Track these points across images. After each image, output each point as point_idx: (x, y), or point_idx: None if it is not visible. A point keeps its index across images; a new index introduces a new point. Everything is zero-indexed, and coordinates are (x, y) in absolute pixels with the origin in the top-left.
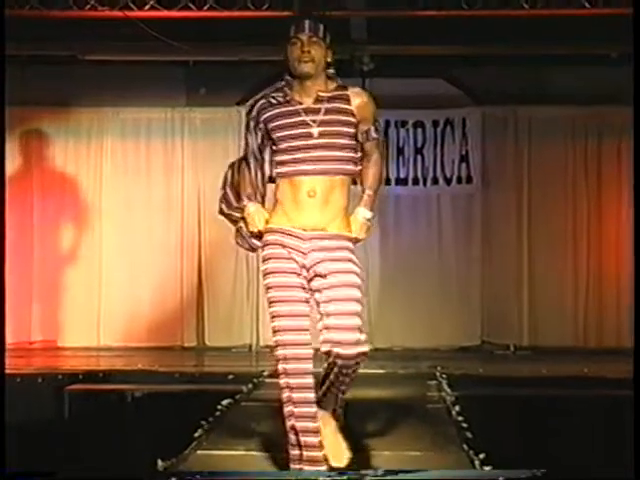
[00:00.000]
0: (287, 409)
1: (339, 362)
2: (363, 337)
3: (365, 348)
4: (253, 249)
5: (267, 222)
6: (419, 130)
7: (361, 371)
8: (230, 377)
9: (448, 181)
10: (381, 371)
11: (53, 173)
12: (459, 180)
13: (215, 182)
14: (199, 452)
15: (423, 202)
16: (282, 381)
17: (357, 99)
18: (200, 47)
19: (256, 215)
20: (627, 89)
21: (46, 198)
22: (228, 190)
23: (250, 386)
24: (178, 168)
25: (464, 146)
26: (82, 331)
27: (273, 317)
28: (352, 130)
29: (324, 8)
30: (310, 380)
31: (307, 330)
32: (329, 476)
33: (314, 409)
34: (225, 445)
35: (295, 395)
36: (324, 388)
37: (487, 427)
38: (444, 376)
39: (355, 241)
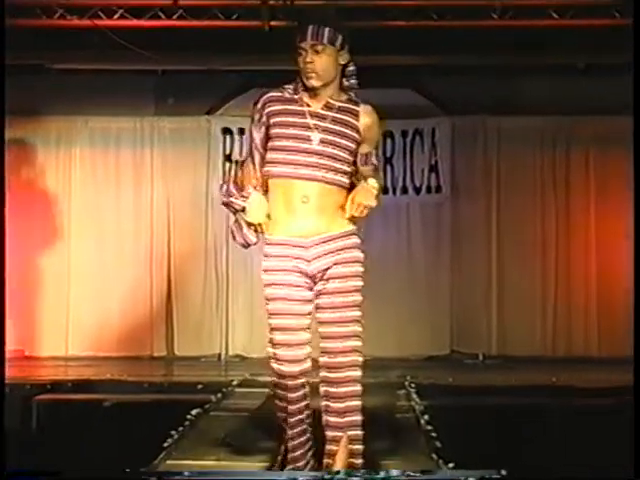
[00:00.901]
0: (280, 415)
1: (330, 375)
2: (358, 344)
3: (354, 357)
4: (246, 245)
5: (268, 217)
6: (388, 140)
7: None
8: (199, 387)
9: (417, 190)
10: None
11: (21, 182)
12: (428, 190)
13: (185, 191)
14: (168, 462)
15: (393, 211)
16: (277, 391)
17: (366, 118)
18: (169, 56)
19: (258, 205)
20: (594, 99)
21: (14, 207)
22: (231, 183)
23: (219, 396)
24: (147, 177)
25: (433, 156)
26: (50, 340)
27: (271, 329)
28: (353, 146)
29: (293, 19)
30: (303, 392)
31: (305, 344)
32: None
33: (307, 420)
34: (195, 455)
35: (290, 407)
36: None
37: (456, 436)
38: (413, 385)
39: (363, 215)
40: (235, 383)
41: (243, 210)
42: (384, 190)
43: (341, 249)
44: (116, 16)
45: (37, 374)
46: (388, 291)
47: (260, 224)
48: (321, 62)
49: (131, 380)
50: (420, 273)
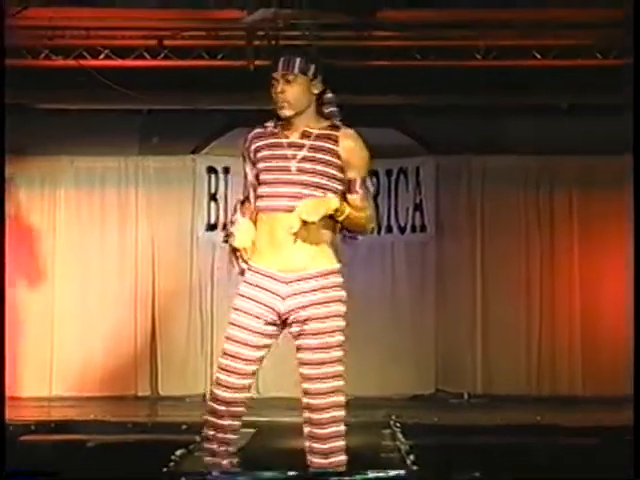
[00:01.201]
0: (207, 446)
1: (313, 416)
2: (339, 384)
3: (338, 398)
4: (242, 272)
5: (253, 244)
6: (373, 179)
7: None
8: (184, 427)
9: (402, 230)
10: None
11: (6, 221)
12: (413, 229)
13: (169, 230)
14: None
15: (377, 250)
16: (209, 418)
17: (346, 141)
18: (154, 96)
19: (245, 230)
20: (578, 139)
21: None
22: (231, 221)
23: (204, 436)
24: (132, 217)
25: (418, 195)
26: (34, 381)
27: (222, 354)
28: (334, 172)
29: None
30: (236, 423)
31: (247, 375)
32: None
33: (234, 451)
34: None
35: (219, 435)
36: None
37: (442, 476)
38: (398, 425)
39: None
40: None
41: (232, 234)
42: None
43: (320, 288)
44: (101, 56)
45: (21, 415)
46: (372, 330)
47: (245, 249)
48: (292, 91)
49: (115, 420)
50: (405, 312)
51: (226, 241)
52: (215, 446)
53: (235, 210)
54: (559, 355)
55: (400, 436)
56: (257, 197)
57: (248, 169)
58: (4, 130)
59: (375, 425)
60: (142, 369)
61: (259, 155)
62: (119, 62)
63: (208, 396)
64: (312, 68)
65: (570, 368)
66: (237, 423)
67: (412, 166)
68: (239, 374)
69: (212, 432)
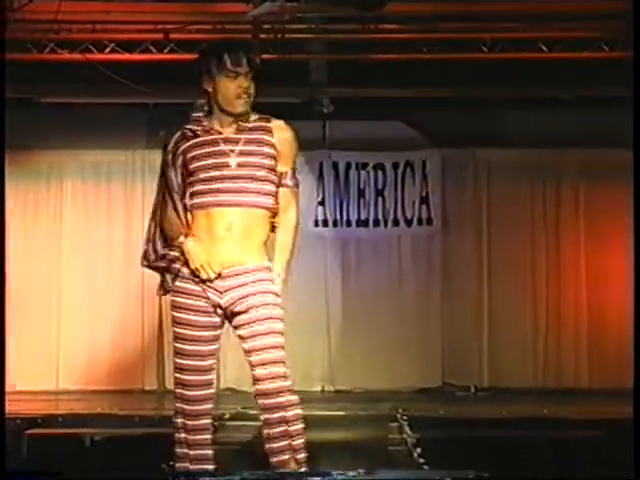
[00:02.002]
0: (179, 450)
1: (264, 401)
2: (286, 370)
3: (287, 383)
4: (166, 292)
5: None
6: (379, 172)
7: (322, 413)
8: None
9: (409, 223)
10: (342, 413)
11: (11, 217)
12: (419, 222)
13: None
14: None
15: (384, 243)
16: (178, 420)
17: (280, 132)
18: (160, 89)
19: (199, 249)
20: (583, 132)
21: (3, 242)
22: (157, 241)
23: (209, 425)
24: (138, 211)
25: (424, 188)
26: (41, 375)
27: (176, 354)
28: (272, 163)
29: (284, 52)
30: (207, 421)
31: (211, 370)
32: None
33: (209, 451)
34: None
35: (190, 437)
36: (274, 458)
37: (448, 469)
38: (405, 418)
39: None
40: (227, 416)
41: (177, 259)
42: (376, 222)
43: (256, 280)
44: (107, 50)
45: (28, 408)
46: (379, 323)
47: (208, 263)
48: (252, 88)
49: (122, 414)
50: (411, 305)
51: (147, 266)
52: (185, 448)
53: (149, 231)
54: (565, 348)
55: (407, 429)
56: (192, 195)
57: (172, 175)
58: (4, 129)
59: (382, 418)
60: (149, 363)
61: (190, 155)
62: (125, 56)
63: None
64: (256, 67)
65: (576, 361)
66: (208, 421)
67: (418, 159)
68: (200, 370)
69: (182, 434)
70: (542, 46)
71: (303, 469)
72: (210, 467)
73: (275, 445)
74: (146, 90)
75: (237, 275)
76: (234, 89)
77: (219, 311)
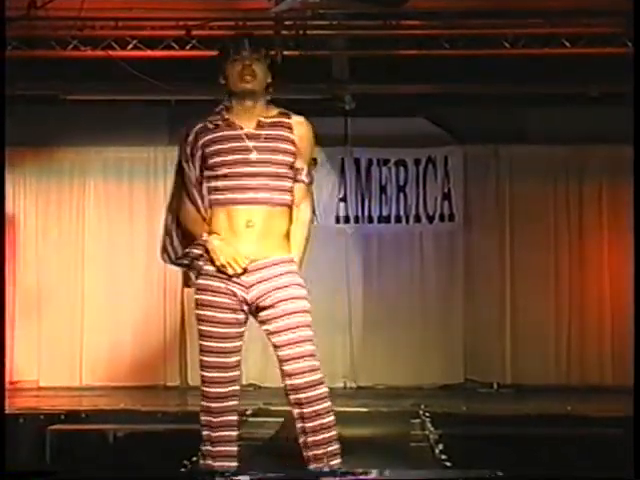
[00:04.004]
0: (204, 448)
1: (297, 396)
2: (317, 364)
3: (319, 376)
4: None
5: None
6: (401, 168)
7: (344, 409)
8: None
9: (430, 219)
10: (364, 409)
11: (35, 213)
12: (441, 218)
13: None
14: None
15: (406, 240)
16: (203, 418)
17: (300, 128)
18: (182, 86)
19: (224, 246)
20: (607, 128)
21: (28, 237)
22: (174, 235)
23: (234, 422)
24: (160, 207)
25: (446, 184)
26: (64, 371)
27: (201, 351)
28: (291, 159)
29: (306, 49)
30: (232, 418)
31: (235, 367)
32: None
33: (234, 448)
34: None
35: (214, 434)
36: (309, 452)
37: (470, 466)
38: (427, 414)
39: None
40: (249, 412)
41: (201, 257)
42: (397, 219)
43: (282, 274)
44: (129, 47)
45: (51, 404)
46: (401, 320)
47: (234, 259)
48: (258, 68)
49: (145, 410)
50: (433, 301)
51: (170, 262)
52: (209, 446)
53: (166, 225)
54: (588, 344)
55: (429, 425)
56: (211, 191)
57: (190, 168)
58: (4, 129)
59: (404, 414)
60: (171, 359)
61: (209, 149)
62: (147, 52)
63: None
64: (268, 60)
65: (600, 358)
66: (233, 418)
67: (440, 155)
68: (224, 368)
69: (207, 432)
70: (565, 42)
71: (335, 461)
72: (233, 464)
73: (310, 439)
74: (168, 87)
75: (262, 269)
76: (238, 69)
77: (245, 307)
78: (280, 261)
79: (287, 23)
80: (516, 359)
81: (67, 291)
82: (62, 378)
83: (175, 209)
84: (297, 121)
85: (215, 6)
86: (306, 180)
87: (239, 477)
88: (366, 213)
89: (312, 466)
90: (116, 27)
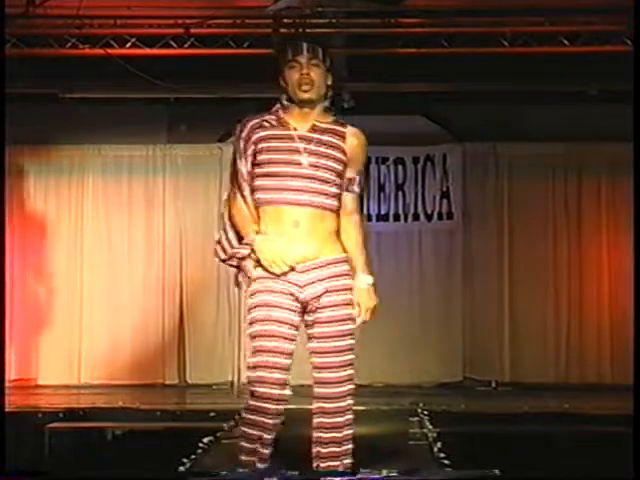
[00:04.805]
0: (249, 446)
1: (327, 405)
2: (351, 373)
3: (351, 386)
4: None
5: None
6: (400, 166)
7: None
8: (211, 414)
9: (429, 217)
10: (363, 408)
11: (34, 211)
12: (440, 216)
13: (197, 218)
14: None
15: (404, 238)
16: (258, 418)
17: (353, 139)
18: (181, 84)
19: (269, 245)
20: (606, 126)
21: (27, 235)
22: (229, 231)
23: (231, 423)
24: (159, 205)
25: (445, 182)
26: (62, 369)
27: (255, 352)
28: (340, 168)
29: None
30: (280, 421)
31: (287, 370)
32: None
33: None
34: None
35: (267, 436)
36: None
37: (469, 464)
38: (426, 412)
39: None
40: None
41: (249, 257)
42: (396, 217)
43: (333, 276)
44: (128, 45)
45: (49, 402)
46: (400, 318)
47: (280, 257)
48: (317, 74)
49: (143, 408)
50: (432, 299)
51: (221, 260)
52: (258, 446)
53: (224, 220)
54: (587, 342)
55: (427, 423)
56: (259, 189)
57: (242, 163)
58: (4, 129)
59: (402, 412)
60: (170, 357)
61: (261, 146)
62: (146, 51)
63: (248, 397)
64: (329, 59)
65: (599, 356)
66: (280, 421)
67: (439, 153)
68: (282, 369)
69: (258, 432)
70: (563, 40)
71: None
72: (265, 465)
73: (324, 450)
74: (167, 85)
75: (315, 269)
76: (296, 77)
77: (299, 307)
78: (332, 262)
79: (286, 21)
80: (515, 357)
81: (66, 289)
82: (61, 376)
83: (228, 204)
84: (351, 131)
85: (214, 4)
86: (357, 190)
87: (240, 476)
88: (365, 211)
89: (324, 464)
90: (115, 25)
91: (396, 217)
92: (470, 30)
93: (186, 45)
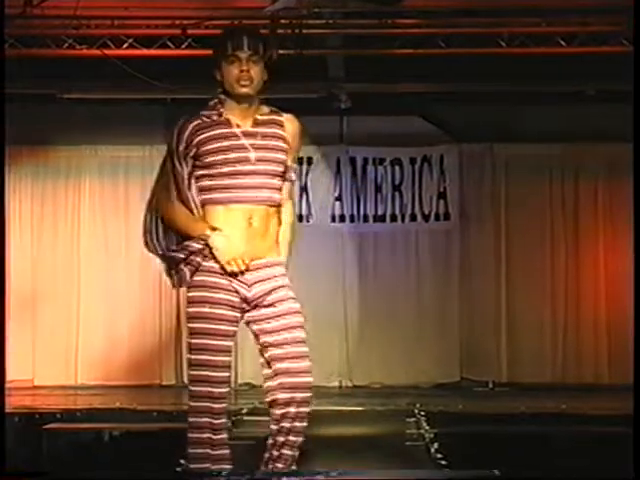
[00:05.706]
0: (200, 451)
1: (286, 395)
2: (309, 365)
3: (310, 378)
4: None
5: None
6: (397, 167)
7: (340, 408)
8: None
9: (426, 218)
10: (360, 408)
11: (31, 212)
12: (437, 217)
13: None
14: None
15: (401, 239)
16: (202, 420)
17: (291, 126)
18: (178, 85)
19: (227, 243)
20: (603, 126)
21: (24, 236)
22: (154, 232)
23: (229, 424)
24: None
25: (442, 183)
26: (59, 370)
27: (200, 350)
28: (284, 157)
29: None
30: (226, 420)
31: (230, 367)
32: None
33: (228, 450)
34: None
35: (215, 436)
36: (276, 452)
37: (466, 464)
38: (423, 413)
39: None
40: (245, 411)
41: (199, 252)
42: (393, 218)
43: (279, 275)
44: (125, 46)
45: (46, 403)
46: (397, 318)
47: (239, 256)
48: (256, 72)
49: (140, 409)
50: (429, 300)
51: (161, 255)
52: (208, 450)
53: (154, 222)
54: (584, 343)
55: (424, 424)
56: (207, 190)
57: (181, 165)
58: (4, 129)
59: (399, 413)
60: (167, 358)
61: (207, 147)
62: (143, 51)
63: (189, 399)
64: (268, 53)
65: (595, 356)
66: (225, 420)
67: (436, 154)
68: (227, 367)
69: (207, 434)
70: (560, 41)
71: (293, 467)
72: (229, 466)
73: (291, 439)
74: (164, 86)
75: (262, 268)
76: (235, 73)
77: (243, 305)
78: (274, 263)
79: (283, 22)
80: (512, 358)
81: (62, 290)
82: (58, 377)
83: (160, 207)
84: (288, 118)
85: (211, 5)
86: (293, 177)
87: (235, 477)
88: (362, 212)
89: (276, 466)
90: (112, 26)
91: (393, 218)
92: (467, 31)
93: (183, 46)
